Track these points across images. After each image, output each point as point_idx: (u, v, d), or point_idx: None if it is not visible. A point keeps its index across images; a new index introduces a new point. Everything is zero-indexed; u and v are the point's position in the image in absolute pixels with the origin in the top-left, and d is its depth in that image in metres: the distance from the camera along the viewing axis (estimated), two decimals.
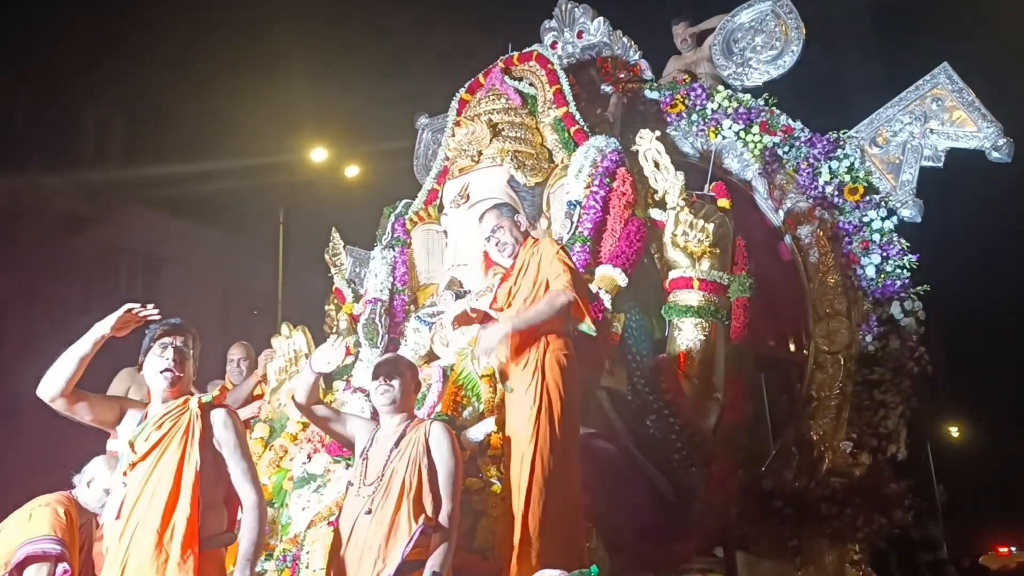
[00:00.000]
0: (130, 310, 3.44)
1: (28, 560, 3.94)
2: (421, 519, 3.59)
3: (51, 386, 3.38)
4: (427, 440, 3.78)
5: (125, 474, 3.46)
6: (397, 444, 3.79)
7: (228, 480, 3.49)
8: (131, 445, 3.46)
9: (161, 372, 3.48)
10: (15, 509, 4.19)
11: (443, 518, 3.66)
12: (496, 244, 4.61)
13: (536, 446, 4.07)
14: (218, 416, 3.50)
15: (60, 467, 4.65)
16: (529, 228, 4.82)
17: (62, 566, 3.98)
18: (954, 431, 22.14)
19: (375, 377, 4.00)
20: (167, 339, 3.52)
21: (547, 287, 4.32)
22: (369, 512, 3.67)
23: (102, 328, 3.41)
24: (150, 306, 3.47)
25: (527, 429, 4.11)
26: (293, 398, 3.99)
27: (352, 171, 16.44)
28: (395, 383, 3.94)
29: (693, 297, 5.70)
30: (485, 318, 4.45)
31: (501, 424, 4.59)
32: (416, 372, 4.18)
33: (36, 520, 4.05)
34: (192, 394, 3.59)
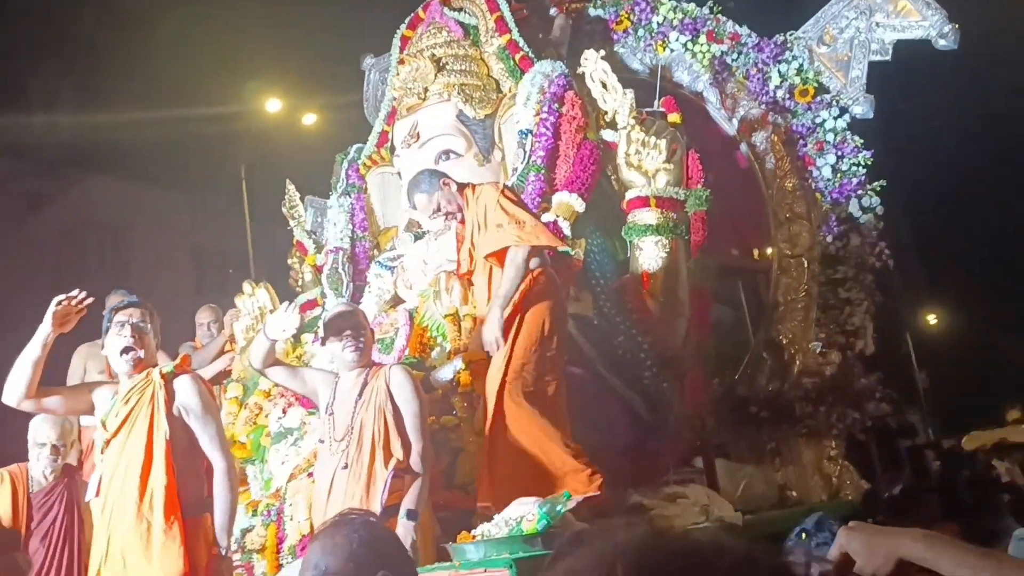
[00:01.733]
0: (59, 302, 3.45)
1: None
2: (391, 464, 3.64)
3: (13, 393, 3.46)
4: (388, 386, 3.81)
5: (102, 452, 3.52)
6: (361, 395, 3.81)
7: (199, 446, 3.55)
8: (103, 424, 3.51)
9: (121, 350, 3.53)
10: None
11: (414, 459, 3.71)
12: (445, 220, 4.55)
13: (509, 359, 4.11)
14: (181, 383, 3.55)
15: None
16: (475, 165, 4.72)
17: None
18: (932, 319, 22.54)
19: (337, 333, 3.95)
20: (123, 317, 3.56)
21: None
22: (346, 467, 3.72)
23: (44, 329, 3.45)
24: (75, 291, 3.48)
25: (503, 349, 4.15)
26: (249, 360, 4.00)
27: (309, 119, 16.22)
28: (363, 339, 3.94)
29: (651, 216, 5.69)
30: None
31: (469, 361, 4.64)
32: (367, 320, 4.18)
33: None
34: (155, 365, 3.62)
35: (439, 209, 4.44)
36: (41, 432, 4.40)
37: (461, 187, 4.52)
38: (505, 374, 4.13)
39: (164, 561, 3.33)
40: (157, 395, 3.47)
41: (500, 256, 4.29)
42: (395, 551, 1.87)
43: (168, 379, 3.52)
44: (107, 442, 3.47)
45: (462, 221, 4.49)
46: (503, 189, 4.45)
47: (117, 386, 3.61)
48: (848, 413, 6.24)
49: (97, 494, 3.45)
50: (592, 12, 7.42)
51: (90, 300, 3.50)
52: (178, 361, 3.66)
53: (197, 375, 3.71)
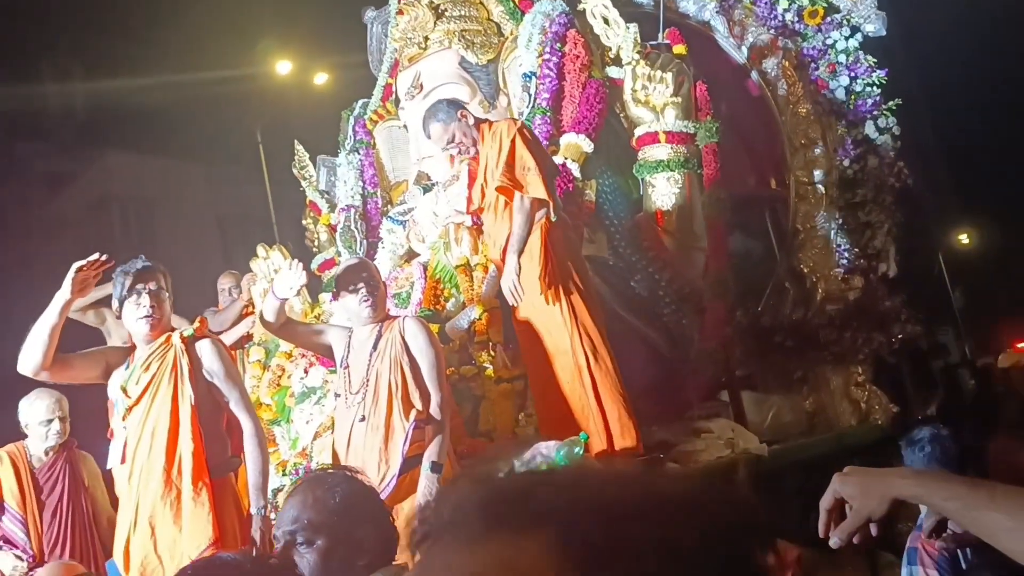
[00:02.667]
0: (80, 268, 3.38)
1: None
2: (412, 414, 3.64)
3: (30, 362, 3.40)
4: (403, 337, 3.78)
5: (124, 419, 3.53)
6: (376, 347, 3.79)
7: (226, 408, 3.56)
8: (123, 390, 3.52)
9: (140, 319, 3.50)
10: None
11: (433, 409, 3.70)
12: (459, 152, 4.47)
13: (586, 352, 4.10)
14: (204, 347, 3.54)
15: (84, 423, 4.80)
16: (480, 112, 4.61)
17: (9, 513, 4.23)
18: (964, 237, 22.18)
19: (349, 287, 3.91)
20: (140, 285, 3.51)
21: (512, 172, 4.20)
22: (363, 419, 3.71)
23: (63, 295, 3.38)
24: (95, 255, 3.40)
25: (568, 339, 4.13)
26: (262, 320, 4.00)
27: (321, 78, 16.12)
28: (376, 293, 3.89)
29: (662, 151, 5.62)
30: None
31: (484, 309, 4.64)
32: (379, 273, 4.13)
33: None
34: (173, 329, 3.62)
35: (453, 139, 4.36)
36: (42, 409, 4.38)
37: (478, 122, 4.43)
38: (576, 331, 4.12)
39: (194, 528, 3.34)
40: (180, 360, 3.46)
41: (508, 192, 4.23)
42: (378, 507, 1.88)
43: (189, 343, 3.51)
44: (129, 409, 3.46)
45: (475, 157, 4.43)
46: (520, 127, 4.35)
47: (132, 352, 3.61)
48: (874, 337, 6.18)
49: (123, 461, 3.45)
50: None
51: (111, 264, 3.45)
52: (196, 324, 3.66)
53: (217, 338, 3.72)
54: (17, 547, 4.24)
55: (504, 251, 4.23)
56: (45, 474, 4.41)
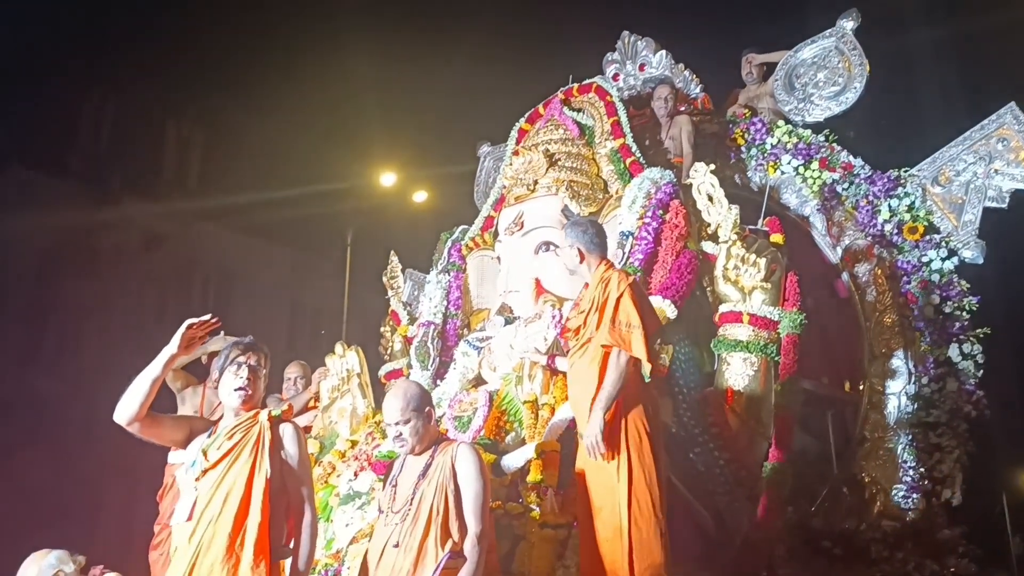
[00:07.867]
0: (191, 325, 3.57)
1: None
2: (447, 545, 3.61)
3: (127, 411, 3.52)
4: (453, 464, 3.75)
5: (197, 479, 3.61)
6: (426, 472, 3.77)
7: (289, 494, 3.61)
8: (204, 453, 3.62)
9: (236, 390, 3.65)
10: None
11: (469, 541, 3.64)
12: (561, 259, 4.67)
13: (630, 515, 4.03)
14: (287, 430, 3.65)
15: (135, 476, 4.88)
16: (586, 253, 4.60)
17: None
18: None
19: (386, 419, 3.90)
20: (242, 359, 3.68)
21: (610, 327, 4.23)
22: (397, 545, 3.66)
23: (170, 349, 3.55)
24: (207, 316, 3.58)
25: (616, 497, 4.07)
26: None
27: (420, 196, 16.72)
28: (406, 431, 3.81)
29: (742, 332, 5.67)
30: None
31: (541, 450, 4.65)
32: (426, 397, 3.98)
33: None
34: (260, 408, 3.75)
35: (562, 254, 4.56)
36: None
37: (606, 262, 4.52)
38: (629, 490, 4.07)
39: None
40: (263, 436, 3.57)
41: (607, 347, 4.27)
42: None
43: (275, 423, 3.62)
44: (204, 471, 3.54)
45: (586, 284, 4.54)
46: (632, 282, 4.40)
47: (214, 424, 3.74)
48: (926, 564, 5.95)
49: (189, 518, 3.51)
50: (708, 128, 7.57)
51: (218, 325, 3.62)
52: (285, 407, 3.78)
53: (299, 427, 3.82)
54: None
55: (592, 402, 4.17)
56: None
